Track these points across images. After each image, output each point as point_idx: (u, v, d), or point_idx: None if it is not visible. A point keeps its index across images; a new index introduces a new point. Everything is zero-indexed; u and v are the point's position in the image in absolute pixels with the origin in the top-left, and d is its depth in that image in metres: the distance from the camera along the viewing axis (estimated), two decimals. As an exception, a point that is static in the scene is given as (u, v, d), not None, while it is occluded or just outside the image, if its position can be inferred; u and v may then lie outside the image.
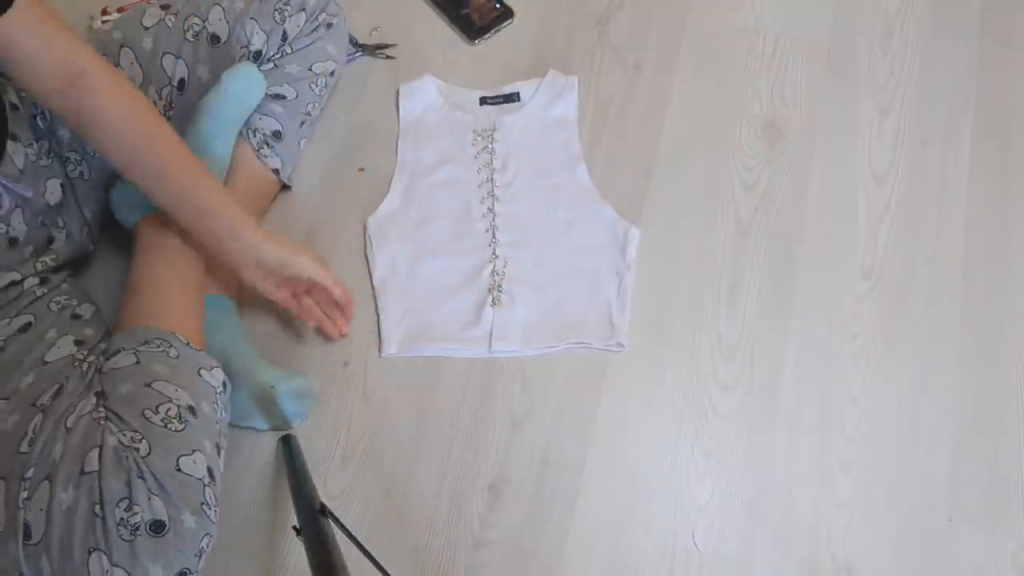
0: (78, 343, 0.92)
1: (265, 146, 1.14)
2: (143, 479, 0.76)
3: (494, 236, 1.17)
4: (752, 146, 1.26)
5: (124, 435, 0.78)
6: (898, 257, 1.18)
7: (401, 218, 1.19)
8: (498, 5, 1.35)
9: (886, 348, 1.12)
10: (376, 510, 1.02)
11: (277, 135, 1.15)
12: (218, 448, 0.85)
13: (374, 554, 0.82)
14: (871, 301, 1.15)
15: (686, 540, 1.01)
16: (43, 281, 0.98)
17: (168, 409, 0.82)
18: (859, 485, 1.04)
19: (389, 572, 0.81)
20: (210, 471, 0.81)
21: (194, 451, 0.80)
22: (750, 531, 1.02)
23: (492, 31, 1.34)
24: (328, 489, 1.03)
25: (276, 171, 1.16)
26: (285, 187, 1.20)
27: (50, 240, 1.00)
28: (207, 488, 0.80)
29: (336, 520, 0.85)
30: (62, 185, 1.01)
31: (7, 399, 0.84)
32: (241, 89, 1.08)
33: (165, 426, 0.80)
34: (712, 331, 1.13)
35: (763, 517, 1.03)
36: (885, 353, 1.12)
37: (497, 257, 1.15)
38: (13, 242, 0.94)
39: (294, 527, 0.89)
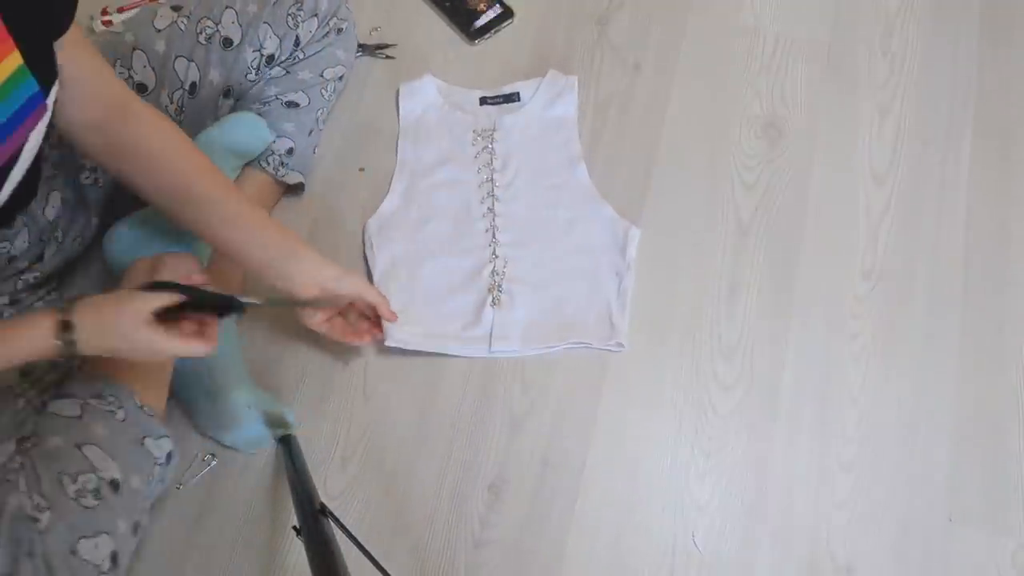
0: (24, 374, 0.90)
1: (281, 166, 1.14)
2: (31, 557, 0.72)
3: (494, 236, 1.17)
4: (752, 146, 1.25)
5: (31, 499, 0.75)
6: (898, 257, 1.18)
7: (401, 218, 1.19)
8: (498, 5, 1.35)
9: (886, 348, 1.12)
10: (376, 510, 1.02)
11: (291, 152, 1.15)
12: (136, 527, 0.82)
13: (374, 554, 0.82)
14: (871, 301, 1.15)
15: (686, 540, 1.01)
16: (13, 302, 0.96)
17: (87, 481, 0.78)
18: (859, 485, 1.04)
19: (389, 572, 0.82)
20: (114, 557, 0.77)
21: (100, 533, 0.77)
22: (750, 531, 1.02)
23: (492, 31, 1.34)
24: (328, 489, 1.03)
25: (300, 184, 1.17)
26: (290, 189, 1.20)
27: (40, 256, 0.98)
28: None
29: (336, 520, 0.85)
30: (63, 199, 0.99)
31: None
32: (244, 128, 1.09)
33: (77, 500, 0.77)
34: (712, 331, 1.13)
35: (763, 517, 1.03)
36: (885, 353, 1.12)
37: (497, 257, 1.15)
38: (11, 260, 0.93)
39: (294, 527, 0.89)
